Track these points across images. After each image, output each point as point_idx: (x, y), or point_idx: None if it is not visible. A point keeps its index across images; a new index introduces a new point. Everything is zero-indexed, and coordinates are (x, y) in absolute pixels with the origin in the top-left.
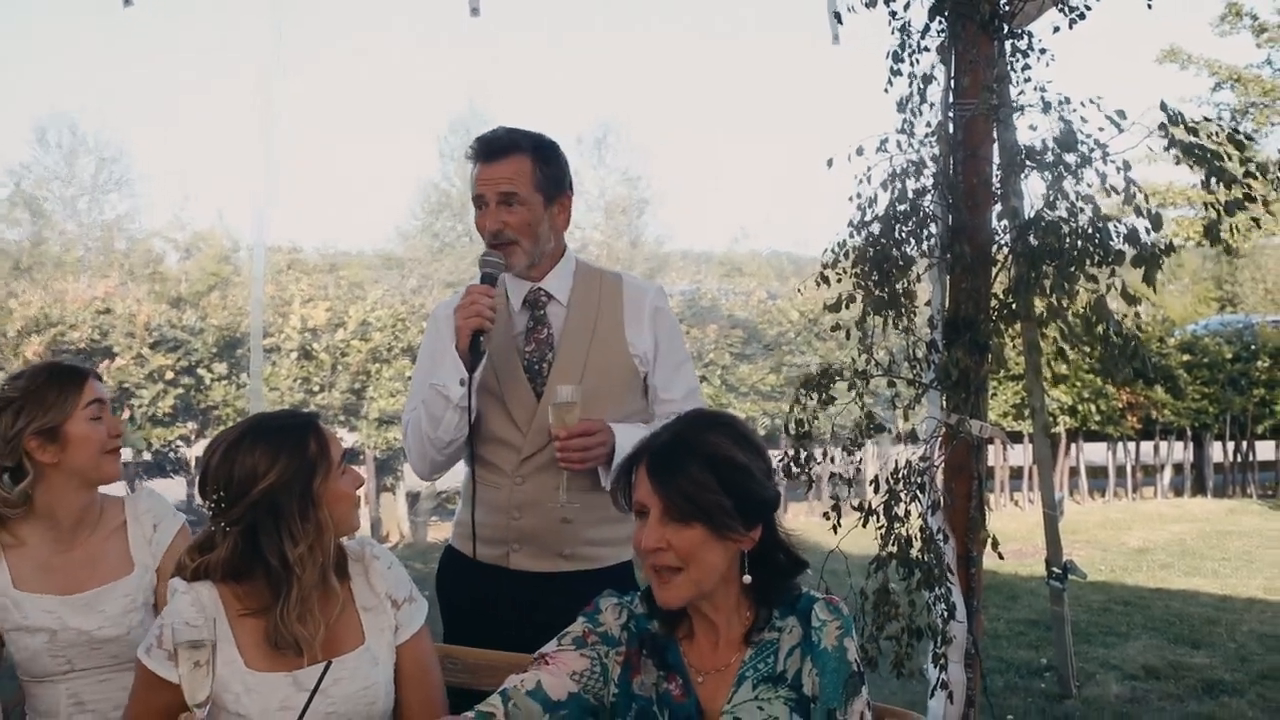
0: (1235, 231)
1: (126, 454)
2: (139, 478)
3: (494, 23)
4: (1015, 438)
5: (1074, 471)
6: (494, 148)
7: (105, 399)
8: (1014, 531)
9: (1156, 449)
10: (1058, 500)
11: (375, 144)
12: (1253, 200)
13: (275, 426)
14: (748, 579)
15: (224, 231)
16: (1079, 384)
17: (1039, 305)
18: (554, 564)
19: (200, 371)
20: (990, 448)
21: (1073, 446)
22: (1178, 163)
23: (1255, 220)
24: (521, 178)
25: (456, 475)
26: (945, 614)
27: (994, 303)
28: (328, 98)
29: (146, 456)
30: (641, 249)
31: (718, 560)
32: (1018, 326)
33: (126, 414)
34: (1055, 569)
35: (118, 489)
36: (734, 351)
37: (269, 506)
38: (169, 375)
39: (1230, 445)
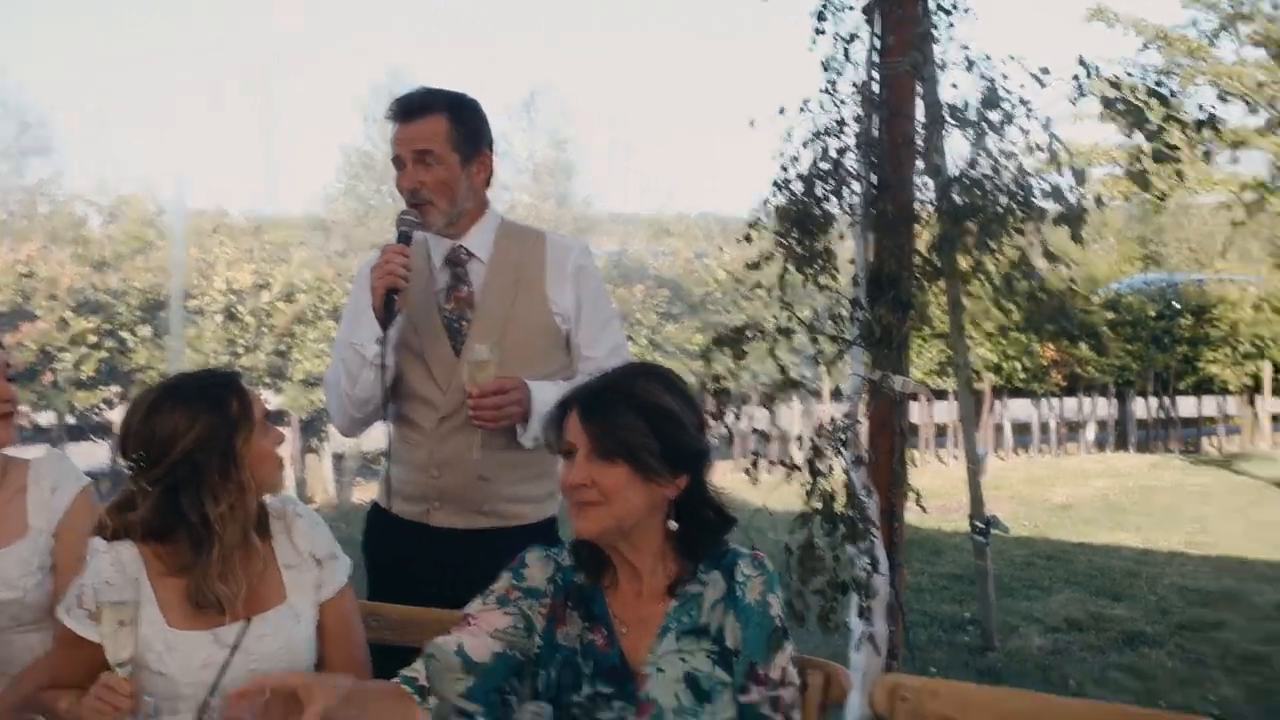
0: (1158, 179)
1: (49, 417)
2: (60, 442)
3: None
4: (940, 395)
5: (999, 428)
6: (410, 107)
7: None
8: (938, 487)
9: (1081, 405)
10: (981, 456)
11: (300, 108)
12: (1175, 149)
13: (196, 386)
14: (674, 525)
15: (148, 195)
16: (1004, 341)
17: (963, 262)
18: (474, 521)
19: (123, 334)
20: (915, 405)
21: (997, 403)
22: (1101, 119)
23: (1178, 173)
24: (437, 137)
25: (381, 437)
26: (870, 568)
27: (917, 260)
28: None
29: (70, 420)
30: (570, 209)
31: (639, 501)
32: (941, 283)
33: (49, 378)
34: (978, 524)
35: (35, 451)
36: (660, 311)
37: (190, 466)
38: (91, 339)
39: (1153, 401)
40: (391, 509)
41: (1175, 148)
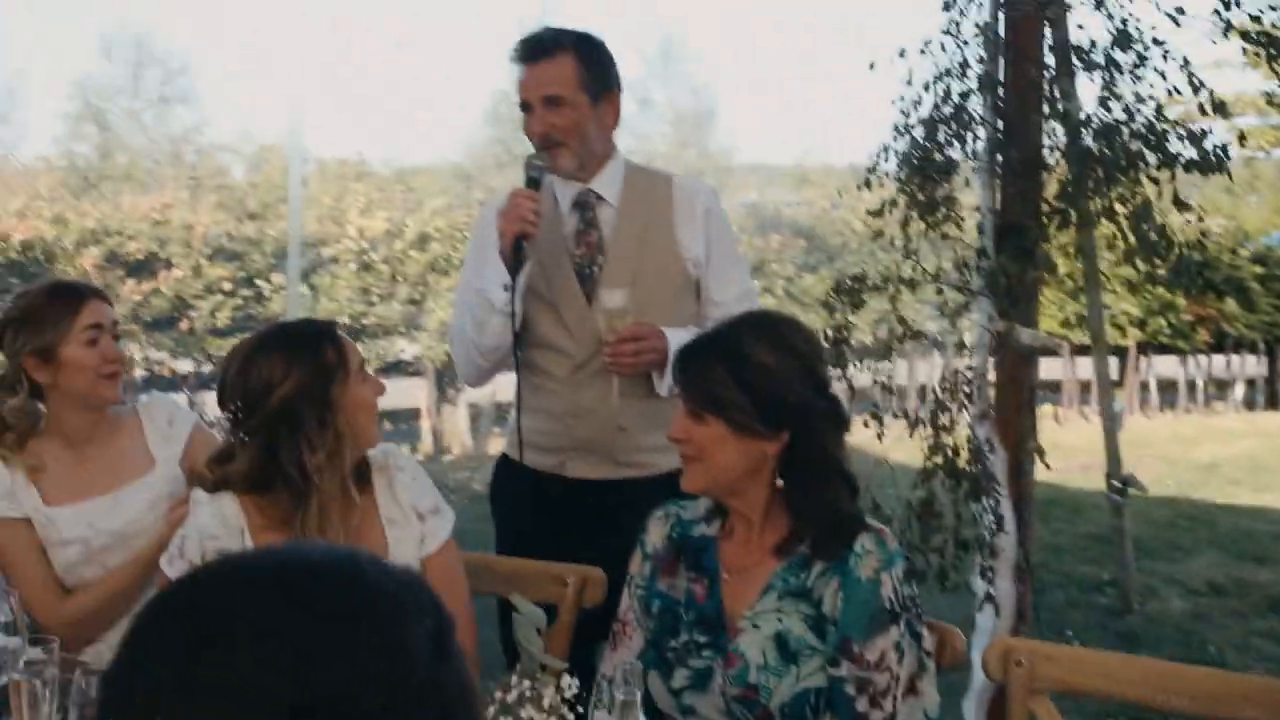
0: None
1: (186, 365)
2: (197, 389)
3: None
4: (1084, 350)
5: (1144, 385)
6: (537, 49)
7: (104, 323)
8: (1081, 445)
9: (1229, 363)
10: (1118, 412)
11: (445, 54)
12: None
13: (290, 334)
14: (779, 483)
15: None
16: (1148, 296)
17: (1093, 209)
18: (610, 471)
19: (259, 283)
20: (1059, 360)
21: (1143, 360)
22: (1244, 65)
23: None
24: (566, 80)
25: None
26: (994, 526)
27: (1045, 208)
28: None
29: (207, 368)
30: (710, 159)
31: (735, 458)
32: (1071, 233)
33: (185, 326)
34: (1115, 482)
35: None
36: (797, 262)
37: (286, 416)
38: (227, 286)
39: None
40: (523, 460)
41: None
